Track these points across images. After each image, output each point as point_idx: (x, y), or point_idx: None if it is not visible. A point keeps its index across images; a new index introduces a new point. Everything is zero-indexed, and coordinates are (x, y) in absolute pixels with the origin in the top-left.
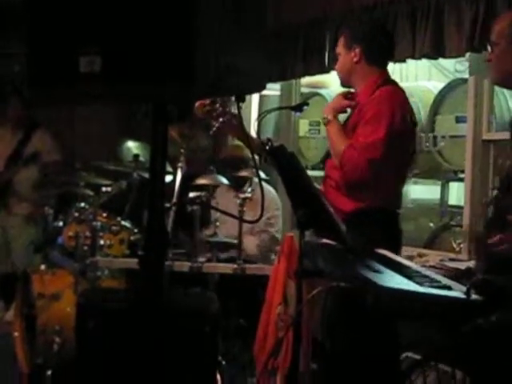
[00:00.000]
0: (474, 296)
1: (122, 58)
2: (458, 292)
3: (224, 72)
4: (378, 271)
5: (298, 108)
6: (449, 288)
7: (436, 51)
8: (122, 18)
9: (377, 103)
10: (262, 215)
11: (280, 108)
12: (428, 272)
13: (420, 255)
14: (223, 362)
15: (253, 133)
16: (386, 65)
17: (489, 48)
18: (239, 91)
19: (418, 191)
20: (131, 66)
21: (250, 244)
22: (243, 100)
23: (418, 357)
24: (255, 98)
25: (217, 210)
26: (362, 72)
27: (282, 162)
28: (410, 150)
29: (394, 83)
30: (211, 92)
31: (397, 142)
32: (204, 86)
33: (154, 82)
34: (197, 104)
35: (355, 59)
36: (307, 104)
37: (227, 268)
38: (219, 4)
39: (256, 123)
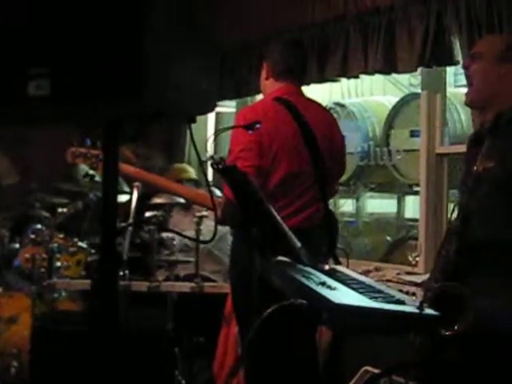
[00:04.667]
0: (427, 310)
1: (71, 79)
2: (411, 307)
3: (174, 92)
4: (332, 287)
5: (251, 127)
6: (402, 303)
7: (388, 67)
8: (71, 37)
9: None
10: (215, 235)
11: (233, 127)
12: (382, 287)
13: (377, 269)
14: (183, 382)
15: (209, 150)
16: (293, 79)
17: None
18: (189, 111)
19: (375, 205)
20: (80, 87)
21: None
22: (194, 121)
23: (375, 370)
24: (211, 115)
25: (171, 231)
26: (269, 88)
27: (235, 181)
28: (289, 165)
29: (282, 99)
30: (161, 111)
31: (259, 150)
32: (153, 105)
33: (103, 101)
34: (69, 152)
35: (264, 76)
36: (260, 122)
37: (185, 287)
38: (169, 24)
39: (211, 141)
